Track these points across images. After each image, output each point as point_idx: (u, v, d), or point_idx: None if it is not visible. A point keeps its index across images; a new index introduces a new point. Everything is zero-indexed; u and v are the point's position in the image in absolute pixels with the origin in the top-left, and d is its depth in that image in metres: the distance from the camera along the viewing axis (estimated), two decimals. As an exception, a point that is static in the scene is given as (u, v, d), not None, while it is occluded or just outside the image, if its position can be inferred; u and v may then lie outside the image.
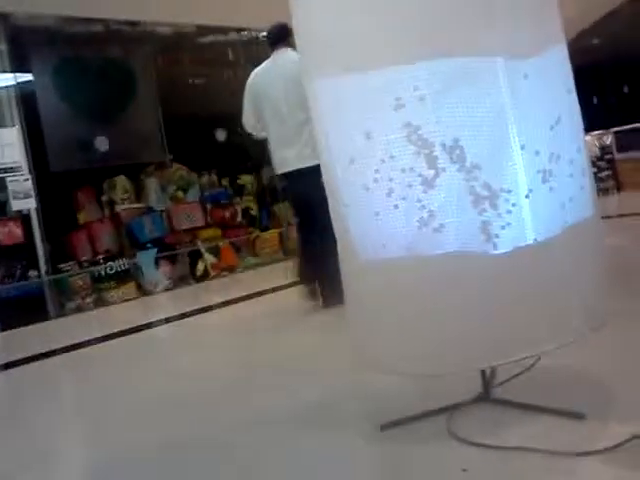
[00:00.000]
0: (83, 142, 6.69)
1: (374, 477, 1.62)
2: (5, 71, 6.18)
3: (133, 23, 6.99)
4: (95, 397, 2.81)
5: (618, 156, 8.73)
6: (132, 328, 4.34)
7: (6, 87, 6.15)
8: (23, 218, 6.02)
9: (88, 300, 6.12)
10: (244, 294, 4.96)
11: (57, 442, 2.32)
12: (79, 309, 6.02)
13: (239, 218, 7.78)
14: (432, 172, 1.44)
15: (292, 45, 3.32)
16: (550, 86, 1.51)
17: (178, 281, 6.76)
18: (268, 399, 2.24)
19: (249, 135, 3.88)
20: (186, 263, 6.94)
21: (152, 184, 7.21)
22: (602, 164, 8.47)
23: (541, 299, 1.50)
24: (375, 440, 1.69)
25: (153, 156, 7.35)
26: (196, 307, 4.85)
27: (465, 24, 1.44)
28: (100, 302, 6.17)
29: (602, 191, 7.88)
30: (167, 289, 6.59)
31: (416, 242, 1.49)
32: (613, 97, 10.52)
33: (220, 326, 4.14)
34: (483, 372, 1.72)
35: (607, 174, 8.46)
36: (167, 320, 4.65)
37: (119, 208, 6.88)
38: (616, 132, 8.67)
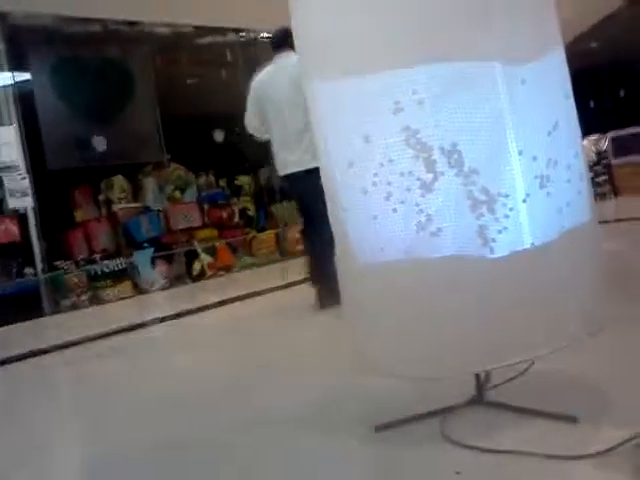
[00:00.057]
0: (81, 141, 6.68)
1: (368, 479, 1.62)
2: (3, 70, 6.17)
3: (131, 23, 6.99)
4: (92, 396, 2.81)
5: (615, 161, 8.77)
6: (128, 327, 4.34)
7: (4, 86, 6.15)
8: (20, 216, 6.02)
9: (83, 298, 6.12)
10: (241, 294, 4.96)
11: (53, 440, 2.32)
12: (74, 307, 6.02)
13: (236, 218, 7.78)
14: (430, 176, 1.44)
15: (295, 49, 3.34)
16: (548, 91, 1.52)
17: (174, 280, 6.76)
18: (267, 399, 2.24)
19: (250, 136, 3.89)
20: (182, 263, 6.94)
21: (149, 184, 7.20)
22: (599, 169, 8.50)
23: (538, 303, 1.50)
24: (369, 442, 1.69)
25: (151, 156, 7.35)
26: (192, 306, 4.85)
27: (463, 29, 1.44)
28: (96, 300, 6.17)
29: (599, 196, 7.91)
30: (163, 288, 6.59)
31: (414, 246, 1.49)
32: (609, 101, 10.56)
33: (216, 326, 4.15)
34: (478, 375, 1.73)
35: (604, 179, 8.49)
36: (163, 319, 4.65)
37: (116, 207, 6.87)
38: (613, 137, 8.71)
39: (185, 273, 6.91)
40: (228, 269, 7.21)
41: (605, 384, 1.82)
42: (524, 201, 1.46)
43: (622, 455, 1.34)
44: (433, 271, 1.50)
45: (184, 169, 7.54)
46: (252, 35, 7.95)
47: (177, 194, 7.39)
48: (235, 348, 3.28)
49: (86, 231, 6.67)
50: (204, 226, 7.37)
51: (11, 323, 5.33)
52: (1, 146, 5.80)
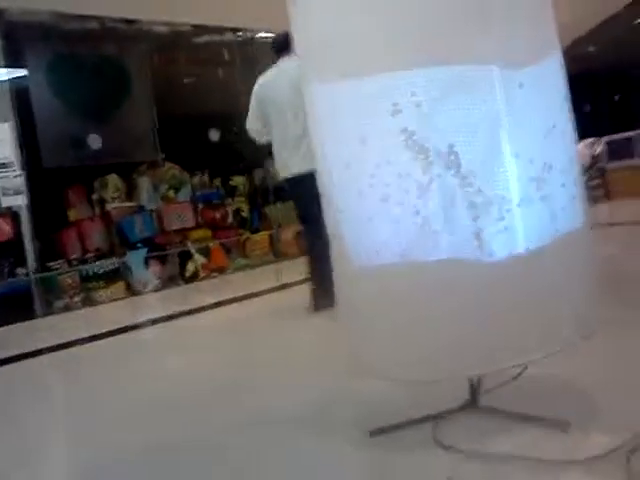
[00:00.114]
0: (76, 139, 6.65)
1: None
2: (-1, 66, 6.14)
3: (129, 21, 6.96)
4: (84, 398, 2.79)
5: (609, 165, 8.81)
6: (121, 328, 4.32)
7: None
8: (13, 215, 5.98)
9: (76, 299, 6.09)
10: (234, 295, 4.95)
11: (45, 443, 2.30)
12: (67, 308, 5.99)
13: (230, 219, 7.76)
14: (427, 178, 1.44)
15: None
16: (545, 95, 1.53)
17: (167, 281, 6.73)
18: (259, 401, 2.24)
19: (252, 141, 3.90)
20: (176, 263, 6.91)
21: (144, 183, 7.17)
22: (593, 172, 8.54)
23: (532, 307, 1.50)
24: (363, 446, 1.69)
25: (145, 155, 7.32)
26: (186, 308, 4.83)
27: (462, 32, 1.45)
28: (88, 301, 6.14)
29: (593, 199, 7.94)
30: (156, 289, 6.56)
31: (410, 248, 1.49)
32: (605, 105, 10.62)
33: (210, 328, 4.13)
34: (471, 380, 1.73)
35: (598, 182, 8.53)
36: (156, 321, 4.63)
37: (110, 207, 6.84)
38: (607, 141, 8.75)
39: (178, 274, 6.88)
40: (222, 270, 7.19)
41: (598, 388, 1.82)
42: (519, 204, 1.46)
43: (614, 461, 1.35)
44: (428, 274, 1.50)
45: (179, 168, 7.52)
46: (249, 35, 7.95)
47: (171, 194, 7.36)
48: (229, 350, 3.27)
49: (79, 230, 6.63)
50: (198, 226, 7.35)
51: (1, 325, 5.26)
52: (-5, 143, 5.76)
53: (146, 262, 6.62)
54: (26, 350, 3.95)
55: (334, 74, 1.53)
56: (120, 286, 6.37)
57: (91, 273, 6.25)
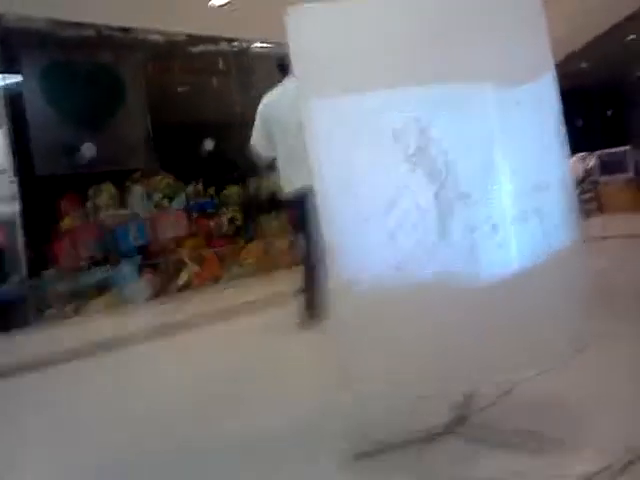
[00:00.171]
0: (69, 147, 6.62)
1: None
2: (-7, 72, 6.12)
3: (124, 30, 6.98)
4: (69, 411, 2.75)
5: (601, 179, 8.88)
6: (112, 340, 4.27)
7: (-6, 88, 6.09)
8: (5, 222, 5.93)
9: (68, 308, 6.04)
10: (227, 306, 4.92)
11: (25, 458, 2.26)
12: (58, 317, 5.93)
13: (224, 228, 7.74)
14: (423, 193, 1.46)
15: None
16: (540, 112, 1.55)
17: (160, 290, 6.69)
18: (244, 416, 2.22)
19: (247, 150, 3.94)
20: (169, 272, 6.88)
21: (138, 192, 7.15)
22: (585, 186, 8.60)
23: (526, 322, 1.52)
24: (347, 469, 1.66)
25: (140, 163, 7.30)
26: (178, 319, 4.80)
27: (460, 50, 1.47)
28: (80, 310, 6.09)
29: (585, 213, 7.99)
30: (149, 298, 6.52)
31: (405, 261, 1.51)
32: (597, 120, 10.70)
33: (201, 340, 4.10)
34: (462, 397, 1.72)
35: (590, 196, 8.59)
36: (147, 332, 4.59)
37: (104, 215, 6.80)
38: (599, 155, 8.83)
39: (172, 283, 6.85)
40: (216, 280, 7.16)
41: (590, 403, 1.82)
42: (513, 220, 1.48)
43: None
44: (422, 290, 1.51)
45: (173, 177, 7.50)
46: (244, 45, 7.98)
47: (165, 202, 7.34)
48: (219, 363, 3.24)
49: (72, 239, 6.58)
50: (192, 235, 7.32)
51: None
52: (-12, 150, 5.74)
53: (139, 271, 6.58)
54: (13, 361, 3.88)
55: (333, 90, 1.54)
56: (112, 295, 6.33)
57: (83, 282, 6.20)
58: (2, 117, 5.99)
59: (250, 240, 7.88)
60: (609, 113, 10.72)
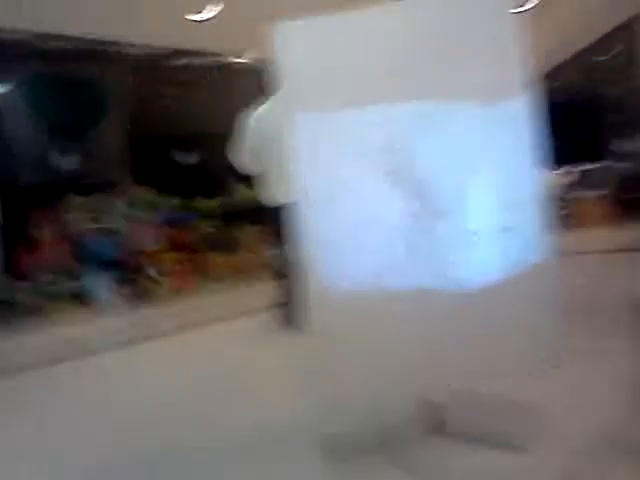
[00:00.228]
0: (45, 158, 6.58)
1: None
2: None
3: (106, 42, 6.98)
4: (30, 424, 2.68)
5: (578, 194, 9.03)
6: (80, 352, 4.18)
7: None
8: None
9: (37, 319, 5.92)
10: (201, 318, 4.86)
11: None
12: (28, 328, 5.79)
13: (200, 241, 7.70)
14: (405, 208, 1.49)
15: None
16: (516, 129, 1.61)
17: (132, 303, 6.60)
18: (220, 424, 2.22)
19: (225, 164, 3.95)
20: (141, 285, 6.80)
21: (113, 204, 7.09)
22: (562, 202, 8.72)
23: (502, 336, 1.57)
24: (326, 470, 1.68)
25: (117, 176, 7.28)
26: (150, 331, 4.72)
27: (440, 68, 1.50)
28: (49, 322, 5.97)
29: (562, 227, 8.09)
30: (120, 311, 6.43)
31: (383, 274, 1.54)
32: (576, 136, 10.86)
33: (170, 351, 4.04)
34: (438, 402, 1.77)
35: (567, 212, 8.71)
36: (117, 344, 4.51)
37: (77, 227, 6.72)
38: (576, 170, 8.97)
39: (143, 295, 6.77)
40: (189, 293, 7.09)
41: (561, 414, 1.84)
42: (490, 236, 1.54)
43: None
44: (399, 301, 1.54)
45: (150, 190, 7.46)
46: (228, 59, 8.01)
47: (141, 215, 7.28)
48: (193, 373, 3.20)
49: (43, 250, 6.48)
50: (167, 248, 7.26)
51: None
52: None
53: (111, 284, 6.49)
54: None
55: (316, 105, 1.56)
56: (83, 307, 6.22)
57: (54, 293, 6.08)
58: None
59: (227, 252, 7.84)
60: (587, 129, 10.89)
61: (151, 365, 3.69)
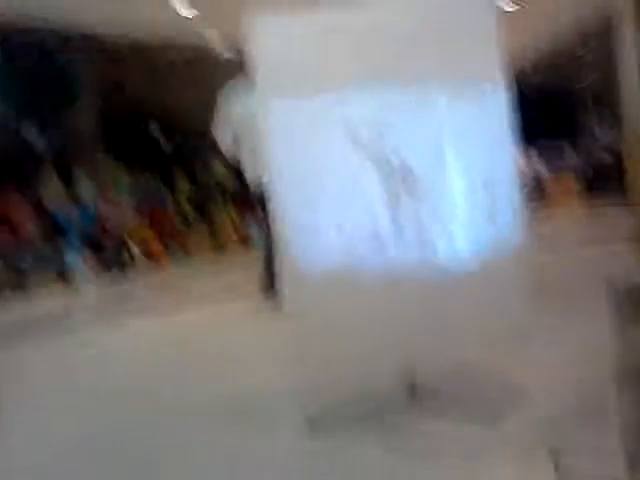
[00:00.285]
0: (16, 136, 6.49)
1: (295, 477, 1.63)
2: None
3: (83, 32, 6.87)
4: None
5: (547, 175, 9.22)
6: (55, 328, 4.16)
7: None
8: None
9: (9, 293, 5.86)
10: (174, 292, 4.88)
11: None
12: (3, 304, 5.74)
13: (172, 216, 7.68)
14: (381, 192, 1.52)
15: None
16: (490, 110, 1.61)
17: (105, 278, 6.58)
18: (198, 394, 2.23)
19: (197, 142, 3.95)
20: (114, 258, 6.78)
21: (85, 180, 7.02)
22: (531, 183, 8.89)
23: (473, 311, 1.60)
24: (302, 440, 1.72)
25: (89, 153, 7.22)
26: (124, 304, 4.72)
27: (414, 53, 1.54)
28: (23, 297, 5.91)
29: (532, 209, 8.26)
30: (93, 283, 6.40)
31: (358, 254, 1.57)
32: (549, 117, 10.99)
33: (148, 326, 4.05)
34: (409, 376, 1.80)
35: (536, 193, 8.89)
36: (91, 317, 4.50)
37: (52, 203, 6.65)
38: (539, 147, 9.11)
39: (116, 269, 6.76)
40: (162, 267, 7.10)
41: (529, 388, 1.90)
42: (464, 216, 1.56)
43: (541, 456, 1.41)
44: (371, 279, 1.58)
45: (122, 166, 7.39)
46: (200, 43, 7.90)
47: (113, 191, 7.22)
48: (166, 343, 3.23)
49: (15, 225, 6.40)
50: (138, 223, 7.24)
51: None
52: None
53: (84, 257, 6.46)
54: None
55: (290, 91, 1.58)
56: (56, 281, 6.19)
57: (28, 267, 6.03)
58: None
59: (198, 225, 7.85)
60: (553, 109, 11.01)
61: (128, 338, 3.70)
